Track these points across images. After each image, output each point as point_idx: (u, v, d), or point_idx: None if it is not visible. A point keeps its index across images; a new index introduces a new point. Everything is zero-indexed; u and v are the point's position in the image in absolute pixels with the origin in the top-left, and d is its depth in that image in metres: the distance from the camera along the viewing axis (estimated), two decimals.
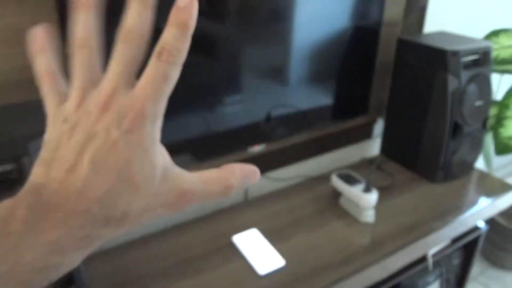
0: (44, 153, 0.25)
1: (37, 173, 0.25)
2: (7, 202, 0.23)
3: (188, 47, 0.25)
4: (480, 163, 2.19)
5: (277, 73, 1.10)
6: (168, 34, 0.25)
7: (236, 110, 1.07)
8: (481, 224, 1.37)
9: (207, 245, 1.04)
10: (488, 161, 1.83)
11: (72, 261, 0.24)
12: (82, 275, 0.74)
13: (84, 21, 0.26)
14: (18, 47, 0.81)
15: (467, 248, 1.43)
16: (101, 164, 0.24)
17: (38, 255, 0.22)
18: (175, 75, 0.25)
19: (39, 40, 0.27)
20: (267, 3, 1.01)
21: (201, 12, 0.89)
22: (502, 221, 1.88)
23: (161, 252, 1.02)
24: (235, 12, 0.97)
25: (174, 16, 0.25)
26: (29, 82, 0.84)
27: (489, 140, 1.76)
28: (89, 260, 0.99)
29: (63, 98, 0.26)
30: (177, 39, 0.25)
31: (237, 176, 0.28)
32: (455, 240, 1.33)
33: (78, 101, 0.25)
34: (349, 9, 1.15)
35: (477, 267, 1.98)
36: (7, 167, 0.62)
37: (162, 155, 0.26)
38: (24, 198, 0.23)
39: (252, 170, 0.29)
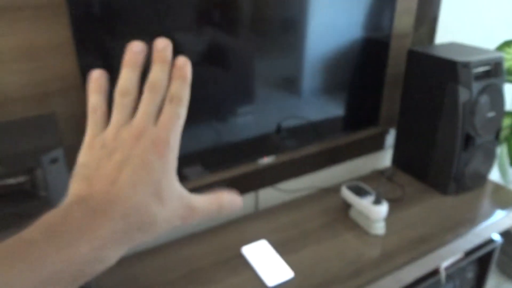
0: (83, 171, 0.32)
1: (80, 187, 0.31)
2: (59, 209, 0.29)
3: (189, 91, 0.33)
4: (496, 175, 2.16)
5: (289, 84, 1.11)
6: (174, 85, 0.33)
7: (247, 121, 1.08)
8: (496, 237, 1.35)
9: (216, 256, 1.05)
10: (503, 173, 1.80)
11: (112, 257, 0.29)
12: (92, 284, 0.75)
13: (130, 75, 0.33)
14: (33, 63, 0.83)
15: (482, 261, 1.41)
16: (138, 179, 0.30)
17: (90, 248, 0.28)
18: (184, 113, 0.33)
19: (97, 81, 0.34)
20: (279, 15, 1.02)
21: (214, 24, 0.91)
22: None
23: (171, 262, 1.03)
24: (247, 24, 0.99)
25: (176, 72, 0.33)
26: (43, 96, 0.86)
27: (504, 152, 1.73)
28: None
29: (100, 130, 0.33)
30: (181, 88, 0.33)
31: (226, 199, 0.35)
32: (468, 253, 1.31)
33: (114, 133, 0.32)
34: (360, 21, 1.16)
35: (493, 281, 1.94)
36: (21, 179, 0.64)
37: (178, 180, 0.34)
38: (75, 206, 0.29)
39: (236, 196, 0.36)
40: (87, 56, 0.82)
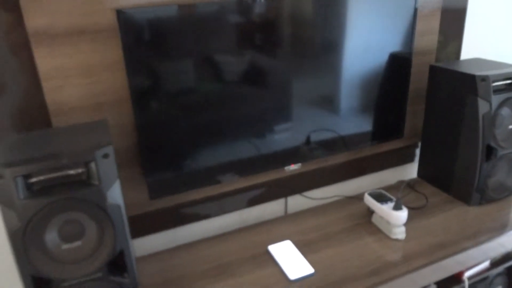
0: None
1: None
2: None
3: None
4: None
5: (324, 102, 1.22)
6: None
7: (283, 137, 1.20)
8: None
9: (244, 252, 1.15)
10: None
11: None
12: (134, 267, 0.87)
13: None
14: (90, 78, 0.99)
15: (511, 273, 1.41)
16: None
17: None
18: None
19: None
20: (316, 39, 1.14)
21: (255, 47, 1.05)
22: None
23: (204, 256, 1.14)
24: (287, 47, 1.11)
25: None
26: (97, 106, 1.02)
27: None
28: (140, 259, 1.14)
29: None
30: None
31: None
32: (495, 264, 1.33)
33: None
34: (386, 41, 1.25)
35: None
36: (79, 170, 0.78)
37: None
38: None
39: None
40: (136, 73, 0.97)
